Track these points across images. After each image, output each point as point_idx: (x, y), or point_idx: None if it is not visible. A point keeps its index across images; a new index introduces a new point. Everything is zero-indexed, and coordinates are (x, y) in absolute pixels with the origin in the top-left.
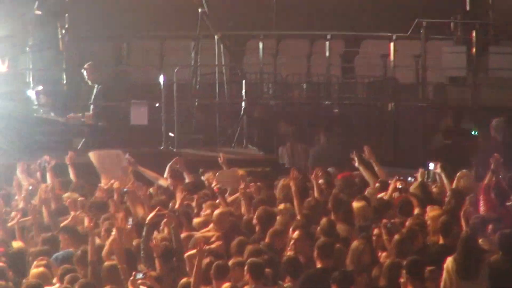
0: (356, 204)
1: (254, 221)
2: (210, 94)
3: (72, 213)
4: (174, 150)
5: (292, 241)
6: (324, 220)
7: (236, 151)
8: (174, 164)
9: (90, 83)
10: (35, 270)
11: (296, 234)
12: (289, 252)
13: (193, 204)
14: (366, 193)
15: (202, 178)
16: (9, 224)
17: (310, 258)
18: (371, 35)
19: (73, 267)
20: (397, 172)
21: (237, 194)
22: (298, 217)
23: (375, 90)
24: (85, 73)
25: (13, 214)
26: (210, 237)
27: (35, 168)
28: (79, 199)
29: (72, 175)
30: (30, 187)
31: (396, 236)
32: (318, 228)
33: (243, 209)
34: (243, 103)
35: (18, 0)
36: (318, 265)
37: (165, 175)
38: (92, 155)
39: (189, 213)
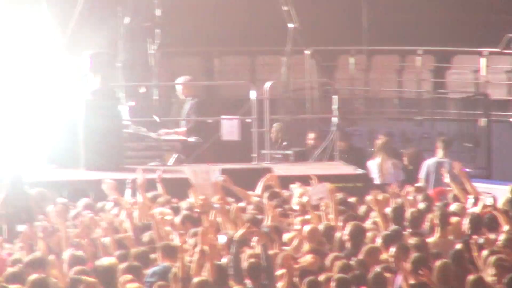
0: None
1: (346, 236)
2: (301, 110)
3: (158, 228)
4: (266, 166)
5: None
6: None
7: (327, 166)
8: (267, 181)
9: (183, 97)
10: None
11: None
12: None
13: (285, 220)
14: (455, 208)
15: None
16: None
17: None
18: (462, 50)
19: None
20: (489, 187)
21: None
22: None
23: (466, 105)
24: (178, 88)
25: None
26: (298, 254)
27: (126, 184)
28: (168, 215)
29: (161, 191)
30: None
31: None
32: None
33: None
34: (334, 119)
35: (110, 16)
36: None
37: (257, 190)
38: (186, 170)
39: (280, 230)
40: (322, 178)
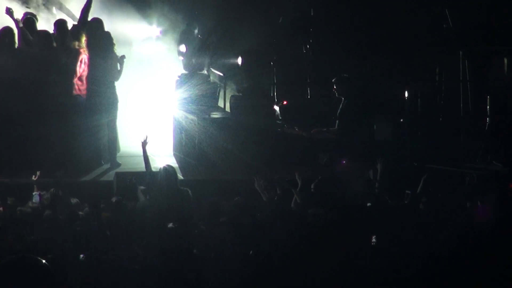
0: None
1: None
2: (454, 110)
3: None
4: (418, 165)
5: None
6: None
7: (480, 167)
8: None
9: (337, 96)
10: None
11: None
12: None
13: None
14: None
15: None
16: None
17: None
18: None
19: None
20: None
21: None
22: None
23: None
24: (334, 87)
25: None
26: None
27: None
28: None
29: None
30: None
31: None
32: None
33: None
34: (487, 119)
35: (263, 16)
36: None
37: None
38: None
39: None
40: None
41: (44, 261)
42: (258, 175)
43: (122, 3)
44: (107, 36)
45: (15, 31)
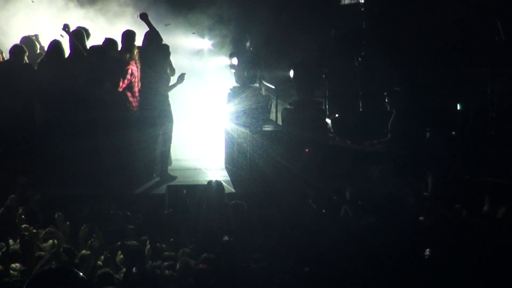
0: None
1: None
2: (506, 122)
3: None
4: (470, 178)
5: None
6: None
7: None
8: None
9: (388, 109)
10: None
11: None
12: None
13: None
14: None
15: None
16: None
17: None
18: None
19: None
20: None
21: None
22: None
23: None
24: (386, 100)
25: None
26: None
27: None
28: None
29: None
30: None
31: None
32: None
33: None
34: None
35: (315, 29)
36: None
37: None
38: None
39: None
40: None
41: (81, 274)
42: (310, 188)
43: (175, 16)
44: (164, 49)
45: (64, 44)
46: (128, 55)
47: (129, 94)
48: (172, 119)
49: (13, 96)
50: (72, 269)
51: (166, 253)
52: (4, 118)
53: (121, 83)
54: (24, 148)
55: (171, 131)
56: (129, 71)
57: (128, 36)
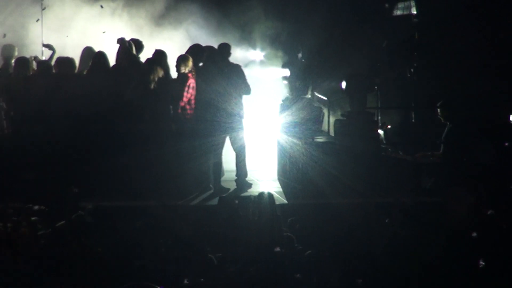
0: None
1: None
2: None
3: None
4: None
5: None
6: None
7: None
8: None
9: (442, 121)
10: None
11: None
12: None
13: None
14: None
15: None
16: None
17: None
18: None
19: None
20: None
21: None
22: None
23: None
24: (438, 111)
25: None
26: None
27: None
28: None
29: None
30: None
31: None
32: None
33: None
34: None
35: (367, 40)
36: None
37: None
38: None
39: None
40: None
41: None
42: (363, 199)
43: (227, 27)
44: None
45: (107, 55)
46: (183, 68)
47: (184, 106)
48: (223, 131)
49: (64, 107)
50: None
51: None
52: (56, 130)
53: (185, 95)
54: (76, 159)
55: (222, 142)
56: (190, 84)
57: (196, 49)
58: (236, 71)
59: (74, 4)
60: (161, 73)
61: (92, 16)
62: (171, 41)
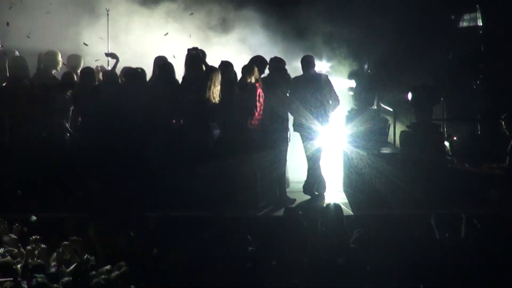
0: None
1: None
2: None
3: None
4: None
5: None
6: None
7: None
8: None
9: (507, 133)
10: None
11: None
12: None
13: None
14: None
15: None
16: None
17: None
18: None
19: None
20: None
21: None
22: None
23: None
24: (503, 124)
25: None
26: None
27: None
28: None
29: None
30: None
31: None
32: None
33: None
34: None
35: (432, 51)
36: None
37: None
38: None
39: None
40: None
41: None
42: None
43: (291, 40)
44: (283, 74)
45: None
46: (250, 77)
47: (253, 116)
48: (287, 141)
49: (131, 117)
50: None
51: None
52: (123, 140)
53: (257, 106)
54: (143, 169)
55: (284, 152)
56: (260, 93)
57: (261, 61)
58: (322, 80)
59: (134, 11)
60: (228, 83)
61: (148, 24)
62: (229, 49)
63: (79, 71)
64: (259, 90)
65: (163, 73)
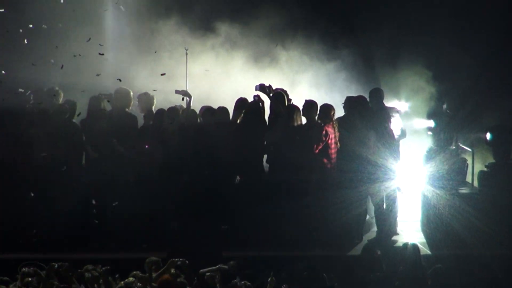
0: None
1: None
2: None
3: None
4: None
5: None
6: None
7: None
8: None
9: None
10: None
11: None
12: None
13: None
14: None
15: None
16: None
17: None
18: None
19: None
20: None
21: None
22: None
23: None
24: None
25: None
26: None
27: None
28: None
29: None
30: None
31: None
32: None
33: None
34: None
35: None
36: None
37: None
38: None
39: None
40: None
41: None
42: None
43: (375, 80)
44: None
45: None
46: (324, 124)
47: (327, 155)
48: (366, 180)
49: (212, 156)
50: None
51: None
52: (202, 178)
53: (315, 146)
54: (221, 208)
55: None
56: (325, 133)
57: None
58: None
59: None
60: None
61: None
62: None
63: (153, 109)
64: (328, 129)
65: (251, 114)
